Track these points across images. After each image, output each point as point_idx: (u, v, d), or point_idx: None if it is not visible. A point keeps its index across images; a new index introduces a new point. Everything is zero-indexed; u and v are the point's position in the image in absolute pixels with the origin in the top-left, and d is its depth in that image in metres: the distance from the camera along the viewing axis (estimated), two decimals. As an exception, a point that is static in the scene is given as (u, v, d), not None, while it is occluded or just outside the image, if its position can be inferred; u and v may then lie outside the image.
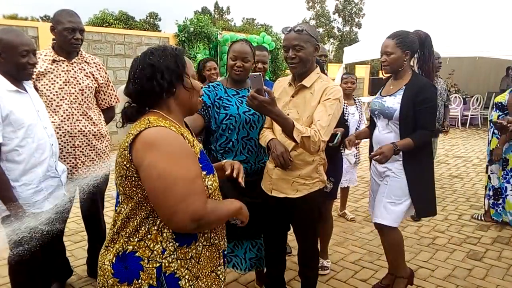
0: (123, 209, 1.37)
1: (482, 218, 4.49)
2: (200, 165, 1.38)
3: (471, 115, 11.72)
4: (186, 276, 1.38)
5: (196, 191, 1.28)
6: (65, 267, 2.98)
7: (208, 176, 1.40)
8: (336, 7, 43.10)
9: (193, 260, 1.40)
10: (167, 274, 1.34)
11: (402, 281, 2.87)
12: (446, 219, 4.52)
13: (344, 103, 4.35)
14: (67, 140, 2.66)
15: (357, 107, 4.20)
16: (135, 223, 1.34)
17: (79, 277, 3.15)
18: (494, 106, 4.41)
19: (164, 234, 1.34)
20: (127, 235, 1.36)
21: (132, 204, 1.34)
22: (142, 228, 1.34)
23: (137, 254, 1.34)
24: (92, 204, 2.92)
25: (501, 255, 3.63)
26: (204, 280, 1.43)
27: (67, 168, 2.67)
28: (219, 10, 45.63)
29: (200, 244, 1.42)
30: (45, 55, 2.64)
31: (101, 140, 2.84)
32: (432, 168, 2.79)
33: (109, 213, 4.17)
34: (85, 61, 2.78)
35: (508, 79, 11.27)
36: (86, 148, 2.74)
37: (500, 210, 4.33)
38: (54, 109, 2.62)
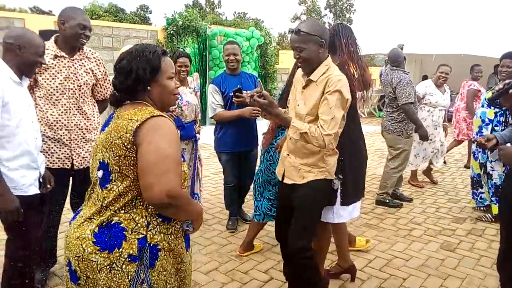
0: (115, 187, 1.52)
1: (492, 219, 4.33)
2: None
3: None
4: (165, 248, 1.57)
5: (177, 172, 1.49)
6: (52, 255, 3.04)
7: (183, 162, 1.64)
8: (328, 3, 43.19)
9: (172, 236, 1.60)
10: (151, 245, 1.53)
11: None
12: (424, 212, 4.66)
13: None
14: (63, 133, 2.78)
15: None
16: (126, 199, 1.52)
17: (61, 265, 3.21)
18: (487, 103, 4.37)
19: (149, 210, 1.53)
20: (115, 209, 1.52)
21: (127, 182, 1.51)
22: (131, 204, 1.53)
23: (122, 225, 1.51)
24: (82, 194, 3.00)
25: (474, 246, 3.77)
26: (176, 252, 1.63)
27: (61, 158, 2.80)
28: (210, 4, 45.41)
29: (178, 222, 1.63)
30: (47, 48, 2.69)
31: (94, 133, 2.95)
32: None
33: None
34: (86, 57, 2.88)
35: (496, 77, 11.39)
36: (81, 141, 2.86)
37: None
38: (54, 103, 2.73)
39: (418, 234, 4.02)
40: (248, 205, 4.67)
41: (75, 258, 1.51)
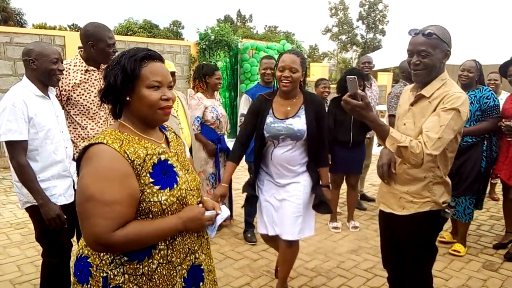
0: None
1: None
2: (152, 180, 1.36)
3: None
4: None
5: (103, 215, 1.26)
6: None
7: (162, 190, 1.37)
8: (360, 14, 42.90)
9: (144, 277, 1.36)
10: (111, 286, 1.34)
11: None
12: (464, 229, 4.45)
13: None
14: None
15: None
16: None
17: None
18: None
19: None
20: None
21: None
22: None
23: (89, 260, 1.37)
24: None
25: (520, 265, 3.57)
26: None
27: None
28: (241, 18, 46.06)
29: (155, 261, 1.38)
30: (74, 65, 2.74)
31: None
32: None
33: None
34: None
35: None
36: None
37: None
38: (92, 117, 2.76)
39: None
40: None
41: None
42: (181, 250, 1.45)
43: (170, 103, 1.41)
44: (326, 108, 4.59)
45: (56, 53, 2.39)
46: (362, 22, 43.12)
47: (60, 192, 2.43)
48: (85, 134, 2.73)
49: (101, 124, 2.78)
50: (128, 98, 1.38)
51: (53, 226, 2.32)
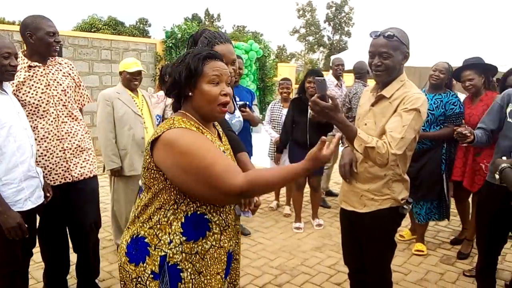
0: (144, 197, 1.50)
1: None
2: None
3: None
4: (189, 270, 1.46)
5: (218, 170, 1.33)
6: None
7: None
8: (327, 16, 43.59)
9: (197, 256, 1.47)
10: (170, 264, 1.44)
11: None
12: (423, 225, 4.60)
13: (281, 105, 4.75)
14: (55, 144, 2.63)
15: None
16: (150, 211, 1.46)
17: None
18: None
19: (173, 227, 1.43)
20: (142, 220, 1.48)
21: (150, 194, 1.46)
22: (155, 217, 1.46)
23: (146, 240, 1.46)
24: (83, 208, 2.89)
25: (474, 260, 3.71)
26: (208, 277, 1.50)
27: (60, 173, 2.66)
28: (209, 17, 45.81)
29: (208, 242, 1.49)
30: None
31: (88, 142, 2.81)
32: None
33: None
34: (58, 62, 2.74)
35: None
36: (76, 150, 2.71)
37: None
38: (42, 115, 2.58)
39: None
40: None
41: (118, 264, 1.54)
42: (228, 235, 1.56)
43: (228, 98, 1.51)
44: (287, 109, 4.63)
45: (8, 47, 2.20)
46: (328, 23, 43.85)
47: (26, 195, 2.27)
48: (36, 135, 2.54)
49: (52, 121, 2.60)
50: (190, 94, 1.49)
51: (12, 236, 2.16)
